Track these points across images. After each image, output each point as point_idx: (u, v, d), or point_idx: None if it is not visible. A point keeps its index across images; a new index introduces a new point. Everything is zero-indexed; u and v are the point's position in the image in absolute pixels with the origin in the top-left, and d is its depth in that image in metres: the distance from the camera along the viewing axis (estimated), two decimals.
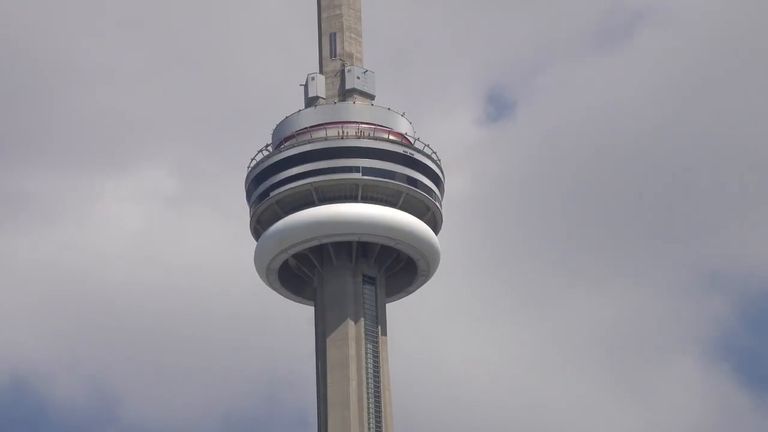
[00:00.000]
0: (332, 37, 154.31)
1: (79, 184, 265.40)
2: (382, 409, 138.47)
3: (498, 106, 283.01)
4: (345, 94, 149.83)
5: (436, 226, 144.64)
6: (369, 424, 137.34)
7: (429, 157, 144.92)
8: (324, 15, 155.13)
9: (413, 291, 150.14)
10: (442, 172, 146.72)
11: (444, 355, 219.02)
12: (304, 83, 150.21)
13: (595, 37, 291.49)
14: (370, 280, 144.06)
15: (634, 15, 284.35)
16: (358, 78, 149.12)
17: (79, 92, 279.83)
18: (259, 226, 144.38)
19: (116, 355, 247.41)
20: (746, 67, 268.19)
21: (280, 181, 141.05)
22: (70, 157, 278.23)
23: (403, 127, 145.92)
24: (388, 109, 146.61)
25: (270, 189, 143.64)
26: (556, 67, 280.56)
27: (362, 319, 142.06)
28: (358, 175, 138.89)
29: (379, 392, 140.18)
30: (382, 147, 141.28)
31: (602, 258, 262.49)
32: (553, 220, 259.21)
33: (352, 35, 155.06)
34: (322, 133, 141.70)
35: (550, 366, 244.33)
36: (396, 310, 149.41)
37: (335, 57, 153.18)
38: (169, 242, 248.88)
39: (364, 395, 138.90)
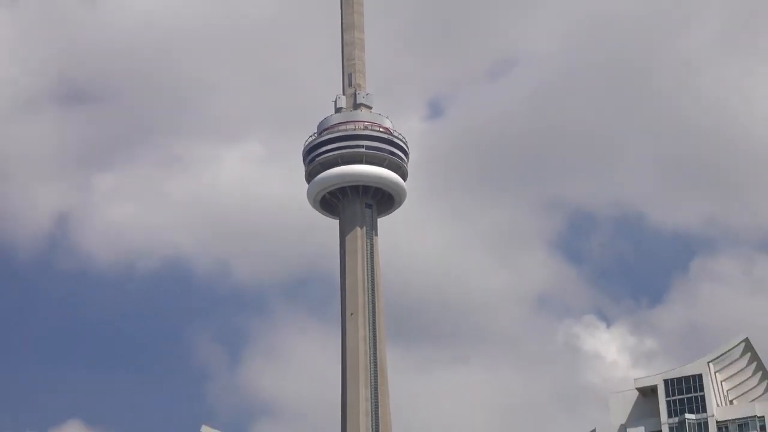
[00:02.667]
0: (350, 76, 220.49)
1: (208, 150, 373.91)
2: (375, 277, 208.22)
3: (435, 111, 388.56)
4: (356, 106, 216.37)
5: (404, 177, 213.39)
6: (367, 284, 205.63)
7: (400, 139, 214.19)
8: (345, 63, 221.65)
9: (392, 212, 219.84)
10: (407, 147, 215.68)
11: (409, 245, 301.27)
12: (334, 100, 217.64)
13: (490, 70, 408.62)
14: (369, 206, 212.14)
15: (514, 58, 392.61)
16: (363, 97, 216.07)
17: (211, 96, 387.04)
18: (309, 177, 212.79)
19: (228, 244, 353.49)
20: (578, 89, 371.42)
21: (322, 152, 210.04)
22: (202, 134, 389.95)
23: (387, 123, 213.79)
24: (379, 114, 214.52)
25: (316, 156, 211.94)
26: (468, 89, 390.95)
27: (365, 227, 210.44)
28: (363, 150, 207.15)
29: (373, 267, 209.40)
30: (375, 134, 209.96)
31: (496, 188, 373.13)
32: (468, 170, 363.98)
33: (360, 74, 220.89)
34: (344, 127, 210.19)
35: (466, 248, 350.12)
36: (383, 222, 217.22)
37: (351, 86, 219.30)
38: (260, 185, 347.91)
39: (366, 269, 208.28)
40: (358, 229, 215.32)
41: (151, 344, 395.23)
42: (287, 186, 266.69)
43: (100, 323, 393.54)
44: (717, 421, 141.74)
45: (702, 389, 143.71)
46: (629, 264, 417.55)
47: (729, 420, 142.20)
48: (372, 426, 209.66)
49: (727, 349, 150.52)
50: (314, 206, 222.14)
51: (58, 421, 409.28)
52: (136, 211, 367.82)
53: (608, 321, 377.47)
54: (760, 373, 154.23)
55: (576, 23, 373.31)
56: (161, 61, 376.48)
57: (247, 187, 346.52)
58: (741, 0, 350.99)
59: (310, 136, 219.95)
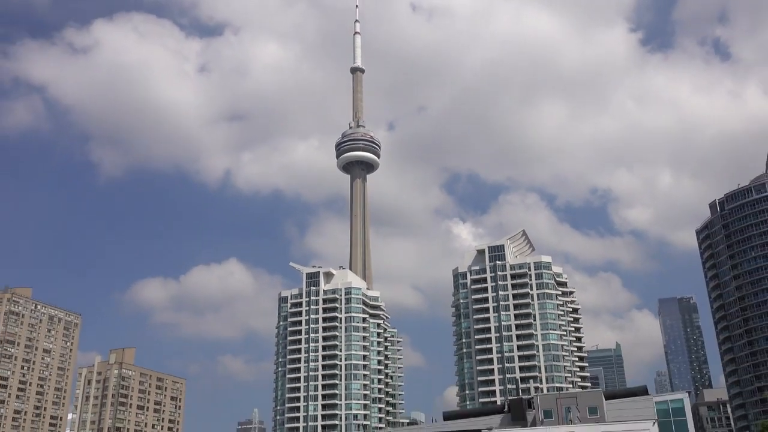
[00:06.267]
0: (356, 113, 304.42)
1: (293, 144, 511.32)
2: (365, 200, 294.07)
3: (391, 128, 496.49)
4: (358, 126, 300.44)
5: (379, 156, 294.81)
6: (361, 203, 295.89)
7: (376, 141, 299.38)
8: (354, 107, 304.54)
9: (373, 172, 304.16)
10: (379, 144, 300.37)
11: (380, 188, 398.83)
12: (349, 123, 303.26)
13: (416, 111, 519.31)
14: (363, 169, 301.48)
15: (426, 106, 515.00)
16: (361, 123, 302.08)
17: (295, 120, 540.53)
18: (338, 156, 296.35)
19: (300, 185, 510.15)
20: (456, 121, 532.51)
21: (344, 145, 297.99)
22: (290, 136, 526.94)
23: (372, 134, 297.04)
24: (368, 129, 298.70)
25: (341, 147, 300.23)
26: (406, 119, 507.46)
27: (361, 179, 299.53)
28: (361, 144, 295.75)
29: (365, 196, 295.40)
30: (366, 138, 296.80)
31: (419, 162, 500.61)
32: (407, 154, 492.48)
33: (360, 112, 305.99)
34: (353, 135, 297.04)
35: (405, 188, 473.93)
36: (369, 177, 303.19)
37: (356, 117, 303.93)
38: (315, 160, 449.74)
39: (361, 197, 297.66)
40: (358, 180, 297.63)
41: (266, 227, 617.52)
42: (327, 160, 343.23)
43: (244, 217, 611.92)
44: (510, 264, 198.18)
45: (504, 251, 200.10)
46: (473, 198, 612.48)
47: (515, 264, 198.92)
48: (363, 265, 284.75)
49: (515, 234, 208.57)
50: (340, 169, 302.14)
51: (224, 258, 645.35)
52: (260, 170, 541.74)
53: (464, 220, 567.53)
54: (528, 245, 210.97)
55: (455, 92, 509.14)
56: (273, 103, 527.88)
57: (309, 161, 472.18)
58: (526, 83, 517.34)
59: (338, 138, 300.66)
